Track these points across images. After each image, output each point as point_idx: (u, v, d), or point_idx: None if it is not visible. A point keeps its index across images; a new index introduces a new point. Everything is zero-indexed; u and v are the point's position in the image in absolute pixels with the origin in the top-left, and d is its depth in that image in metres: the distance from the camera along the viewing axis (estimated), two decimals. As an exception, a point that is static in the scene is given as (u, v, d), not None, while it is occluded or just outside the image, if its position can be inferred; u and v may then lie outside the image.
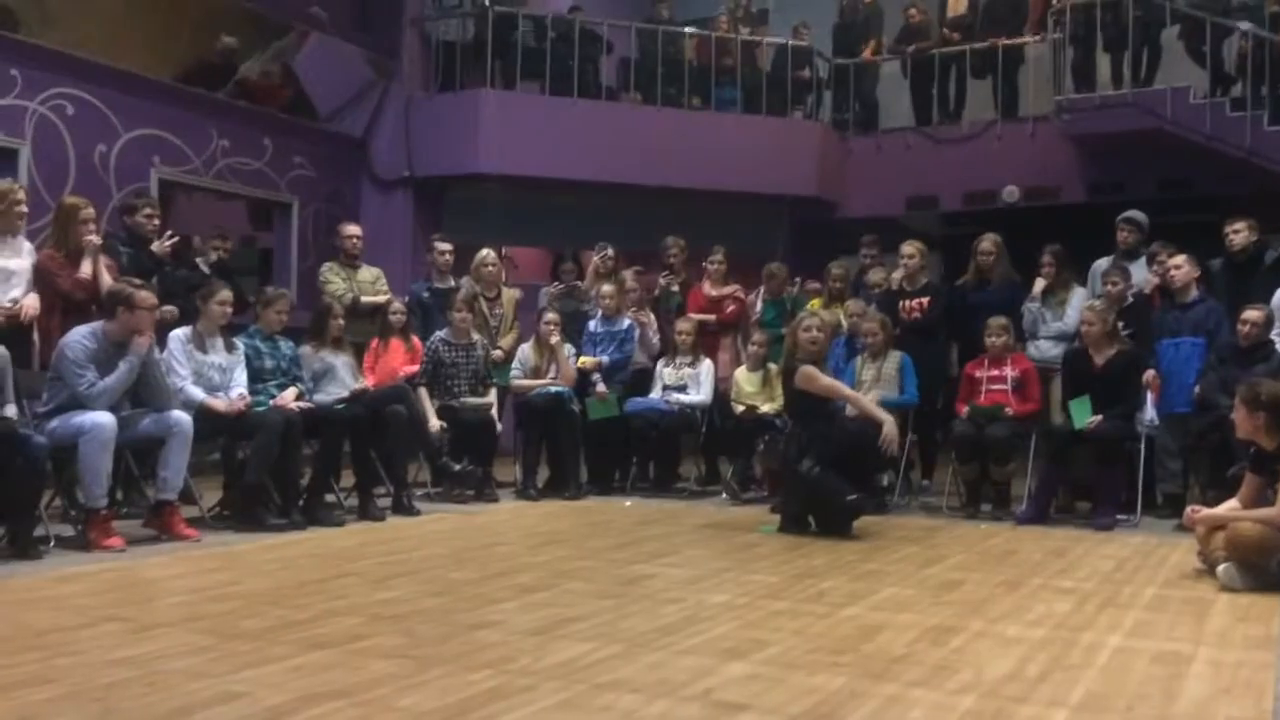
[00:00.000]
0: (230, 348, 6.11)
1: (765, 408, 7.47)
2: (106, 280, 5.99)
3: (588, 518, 6.65)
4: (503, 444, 7.83)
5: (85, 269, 6.04)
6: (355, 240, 7.98)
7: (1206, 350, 6.69)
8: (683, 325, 7.97)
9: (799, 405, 6.26)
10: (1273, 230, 7.93)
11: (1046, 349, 7.23)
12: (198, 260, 7.64)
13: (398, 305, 7.66)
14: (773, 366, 7.47)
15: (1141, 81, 9.89)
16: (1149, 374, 6.58)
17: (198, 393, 5.82)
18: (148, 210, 6.75)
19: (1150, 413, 6.58)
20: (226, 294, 6.08)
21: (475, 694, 2.93)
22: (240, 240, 8.59)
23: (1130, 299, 7.08)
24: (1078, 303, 7.16)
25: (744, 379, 7.74)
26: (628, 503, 7.39)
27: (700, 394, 7.83)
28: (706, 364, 7.93)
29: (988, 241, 7.60)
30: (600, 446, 7.87)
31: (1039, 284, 7.41)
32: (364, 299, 7.75)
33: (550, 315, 7.76)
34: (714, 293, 8.43)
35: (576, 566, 4.91)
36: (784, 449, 6.37)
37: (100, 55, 8.19)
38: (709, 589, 4.42)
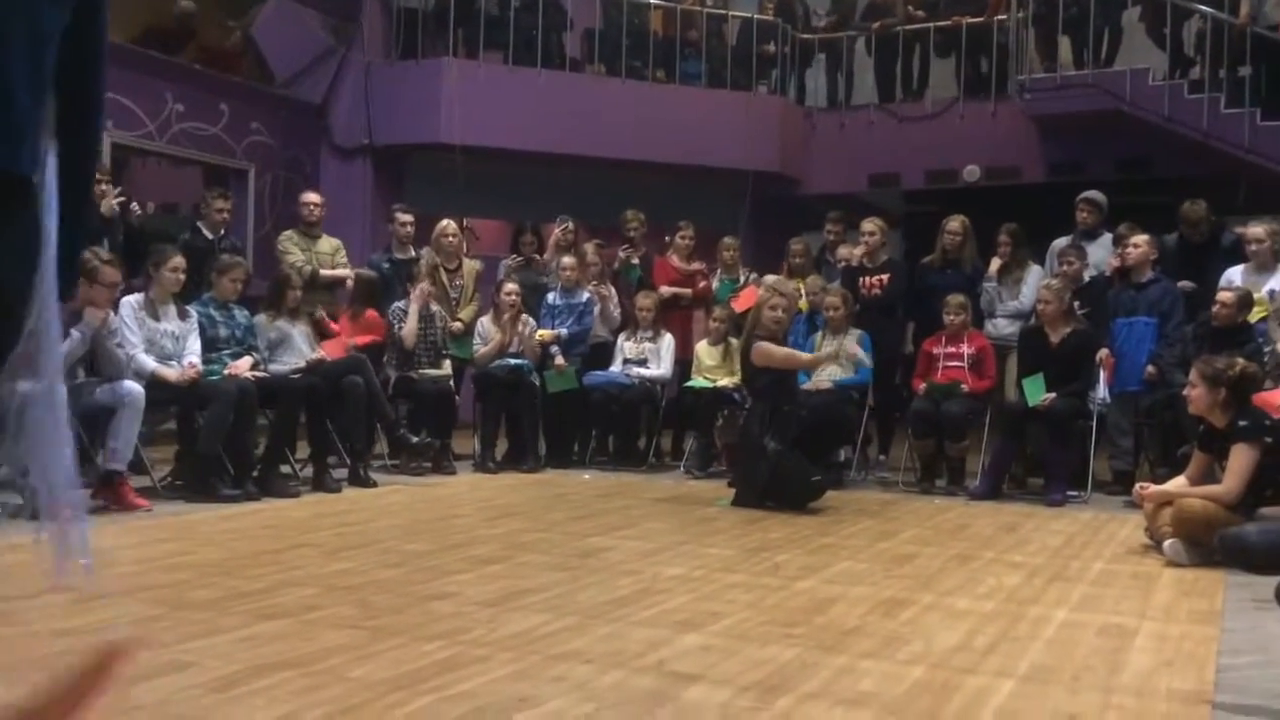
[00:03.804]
0: (183, 315, 6.03)
1: (724, 381, 7.50)
2: None
3: (546, 490, 6.64)
4: (461, 416, 7.79)
5: None
6: (314, 208, 7.86)
7: (1159, 330, 6.79)
8: (644, 300, 7.96)
9: (760, 381, 6.28)
10: (1229, 212, 8.05)
11: (1003, 327, 7.31)
12: (199, 224, 7.41)
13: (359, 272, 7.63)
14: (733, 341, 7.48)
15: (1102, 62, 9.96)
16: (1102, 352, 6.66)
17: (149, 361, 5.74)
18: (96, 174, 6.60)
19: (1103, 391, 6.67)
20: (179, 260, 5.99)
21: (428, 664, 2.93)
22: (192, 207, 8.36)
23: (1087, 279, 7.15)
24: (1033, 281, 7.24)
25: (704, 353, 7.75)
26: (586, 475, 7.40)
27: (661, 368, 7.84)
28: (667, 338, 7.94)
29: (955, 222, 7.64)
30: (559, 420, 7.87)
31: (995, 263, 7.47)
32: (323, 272, 7.65)
33: (510, 285, 7.72)
34: (684, 266, 8.43)
35: (533, 539, 4.91)
36: (745, 425, 6.41)
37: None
38: (665, 561, 4.43)
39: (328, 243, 7.88)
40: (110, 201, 6.53)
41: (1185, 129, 9.37)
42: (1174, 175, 9.96)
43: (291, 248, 7.67)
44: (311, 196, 7.97)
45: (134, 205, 6.77)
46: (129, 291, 6.03)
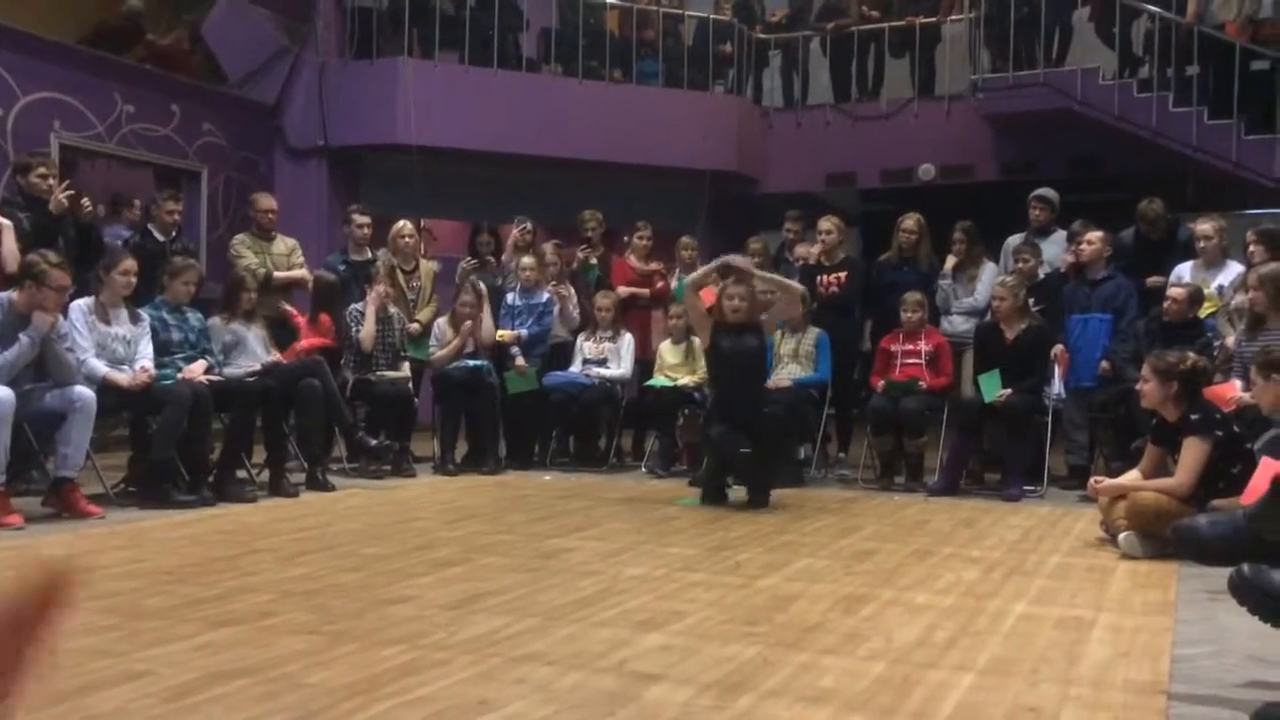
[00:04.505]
0: (135, 319, 5.93)
1: (685, 380, 7.50)
2: (11, 250, 5.81)
3: (506, 492, 6.61)
4: (420, 418, 7.74)
5: None
6: (270, 215, 7.74)
7: (1114, 326, 6.87)
8: (603, 300, 7.94)
9: (719, 374, 6.32)
10: (1179, 209, 8.17)
11: (958, 324, 7.37)
12: (150, 226, 7.25)
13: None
14: (695, 339, 7.49)
15: (1053, 62, 10.09)
16: (1057, 348, 6.74)
17: (100, 366, 5.64)
18: (42, 169, 6.45)
19: (1058, 386, 6.74)
20: (130, 263, 5.89)
21: (388, 669, 2.90)
22: (143, 209, 8.23)
23: (1041, 275, 7.23)
24: (988, 279, 7.31)
25: (667, 351, 7.75)
26: (547, 477, 7.37)
27: (620, 368, 7.83)
28: (627, 338, 7.93)
29: (910, 220, 7.69)
30: (519, 420, 7.83)
31: (950, 261, 7.54)
32: (278, 274, 7.54)
33: (466, 296, 7.65)
34: (642, 266, 8.42)
35: (493, 541, 4.88)
36: (703, 421, 6.43)
37: (-3, 15, 7.86)
38: (626, 562, 4.42)
39: (283, 243, 7.77)
40: (59, 197, 6.40)
41: (1135, 128, 9.51)
42: (1124, 173, 10.11)
43: (244, 251, 7.55)
44: (266, 202, 7.80)
45: (85, 201, 6.64)
46: (82, 292, 5.93)
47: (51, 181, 6.43)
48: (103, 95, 8.68)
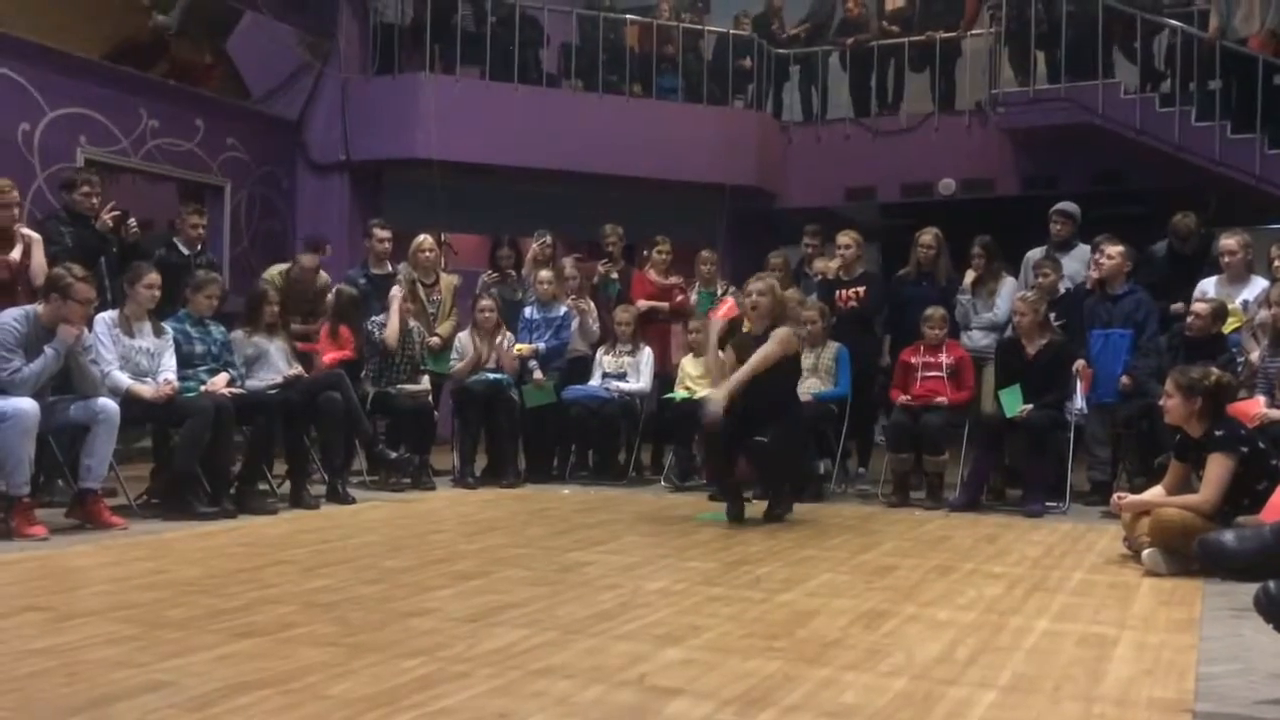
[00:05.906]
0: (159, 332, 5.97)
1: (705, 392, 7.48)
2: (39, 263, 5.88)
3: (525, 505, 6.62)
4: (440, 431, 7.75)
5: (15, 254, 5.91)
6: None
7: (1135, 341, 6.82)
8: (622, 315, 7.95)
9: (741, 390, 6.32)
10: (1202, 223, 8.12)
11: (978, 339, 7.34)
12: (175, 240, 7.33)
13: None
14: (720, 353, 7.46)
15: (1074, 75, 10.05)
16: (1079, 363, 6.69)
17: (124, 379, 5.69)
18: (87, 187, 6.53)
19: (1079, 402, 6.70)
20: (154, 277, 5.94)
21: (407, 681, 2.90)
22: (167, 224, 8.30)
23: (1063, 290, 7.19)
24: (1007, 293, 7.28)
25: (688, 364, 7.75)
26: (566, 490, 7.37)
27: (640, 382, 7.83)
28: (646, 352, 7.93)
29: (928, 235, 7.67)
30: (539, 434, 7.84)
31: (969, 275, 7.51)
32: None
33: (485, 302, 7.69)
34: (662, 280, 8.43)
35: (513, 554, 4.88)
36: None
37: (25, 31, 7.95)
38: (646, 576, 4.42)
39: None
40: (104, 218, 6.49)
41: (1157, 142, 9.46)
42: (1146, 188, 10.06)
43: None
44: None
45: (131, 222, 6.71)
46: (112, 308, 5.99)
47: (96, 200, 6.52)
48: (128, 110, 8.77)
